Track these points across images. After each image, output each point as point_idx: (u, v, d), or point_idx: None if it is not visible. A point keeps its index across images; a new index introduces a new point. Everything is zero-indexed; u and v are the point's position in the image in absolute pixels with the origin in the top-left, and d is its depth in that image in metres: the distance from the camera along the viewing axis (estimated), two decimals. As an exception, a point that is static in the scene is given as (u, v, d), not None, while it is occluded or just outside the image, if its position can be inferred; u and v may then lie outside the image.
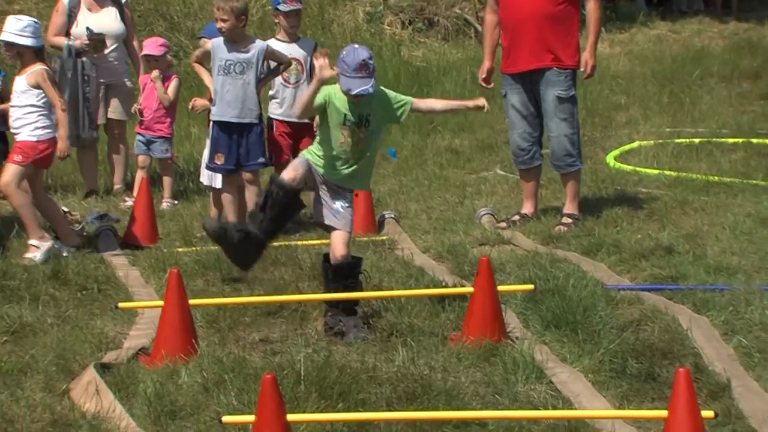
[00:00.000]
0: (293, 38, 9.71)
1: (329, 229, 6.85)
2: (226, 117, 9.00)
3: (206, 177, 9.51)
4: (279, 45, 9.50)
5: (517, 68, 9.18)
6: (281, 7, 9.62)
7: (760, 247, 8.19)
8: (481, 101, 7.05)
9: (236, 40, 8.97)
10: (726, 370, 5.90)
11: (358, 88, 6.51)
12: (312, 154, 6.85)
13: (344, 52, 6.62)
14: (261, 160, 9.12)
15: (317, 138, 6.94)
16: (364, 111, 6.69)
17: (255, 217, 6.75)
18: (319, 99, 6.65)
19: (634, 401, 5.68)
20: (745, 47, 16.73)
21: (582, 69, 9.15)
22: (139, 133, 10.77)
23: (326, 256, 6.82)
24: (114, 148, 11.34)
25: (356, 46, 6.75)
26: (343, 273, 6.68)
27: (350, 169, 6.78)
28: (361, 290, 6.85)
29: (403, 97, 6.98)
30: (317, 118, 9.16)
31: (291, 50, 9.53)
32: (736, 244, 8.29)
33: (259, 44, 9.09)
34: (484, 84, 9.55)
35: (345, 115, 6.66)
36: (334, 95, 6.69)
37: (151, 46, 10.78)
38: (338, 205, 6.77)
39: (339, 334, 6.57)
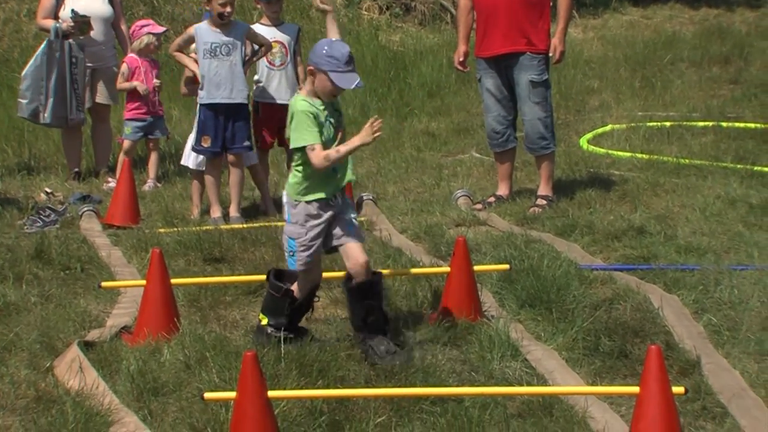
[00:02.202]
0: (276, 22, 9.72)
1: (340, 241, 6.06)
2: (216, 99, 9.04)
3: (192, 160, 9.51)
4: (263, 29, 9.53)
5: (490, 52, 9.18)
6: None
7: (729, 227, 8.22)
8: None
9: (220, 23, 9.01)
10: (696, 347, 5.93)
11: (354, 81, 5.87)
12: (304, 188, 5.96)
13: (326, 48, 5.88)
14: (246, 143, 9.17)
15: (298, 165, 5.97)
16: (337, 113, 6.05)
17: (276, 315, 6.12)
18: (314, 129, 5.85)
19: (606, 378, 5.70)
20: (715, 33, 16.75)
21: (551, 54, 9.16)
22: (138, 118, 10.63)
23: (348, 275, 6.05)
24: (99, 130, 11.32)
25: (333, 39, 6.09)
26: (363, 293, 5.96)
27: (344, 167, 6.06)
28: (385, 311, 6.13)
29: None
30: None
31: (275, 34, 9.56)
32: (706, 225, 8.31)
33: (240, 25, 9.19)
34: (459, 68, 9.56)
35: (330, 122, 5.97)
36: (313, 113, 5.89)
37: (154, 25, 10.85)
38: (349, 217, 6.05)
39: (371, 361, 5.85)
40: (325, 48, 5.89)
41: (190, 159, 9.53)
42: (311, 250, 5.95)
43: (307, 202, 5.93)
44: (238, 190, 9.33)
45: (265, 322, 6.11)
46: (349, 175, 6.09)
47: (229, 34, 9.08)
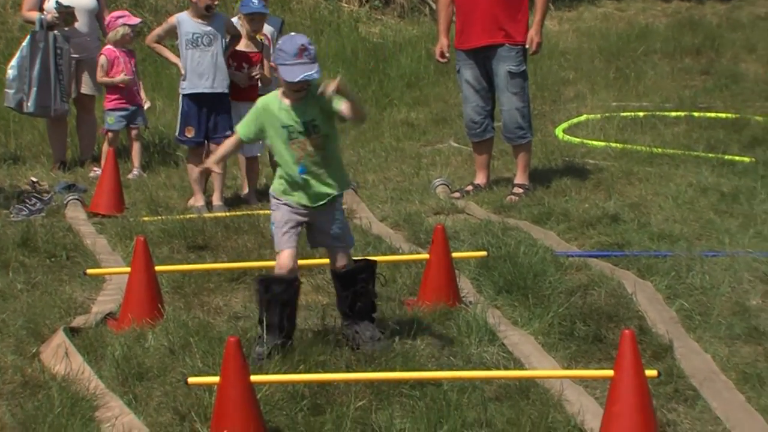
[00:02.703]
0: None
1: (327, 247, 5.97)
2: (199, 89, 9.04)
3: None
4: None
5: (470, 44, 9.18)
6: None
7: (700, 215, 8.24)
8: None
9: (202, 14, 8.99)
10: (668, 331, 5.96)
11: (301, 74, 5.48)
12: (280, 187, 5.77)
13: (280, 42, 5.65)
14: (228, 132, 9.13)
15: (278, 171, 5.81)
16: (307, 117, 5.62)
17: (270, 328, 5.68)
18: (245, 131, 5.75)
19: (581, 362, 5.72)
20: (687, 25, 16.78)
21: (528, 46, 9.17)
22: (120, 108, 10.56)
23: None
24: (84, 121, 11.29)
25: (293, 34, 5.73)
26: (349, 281, 5.84)
27: (321, 182, 5.71)
28: (374, 296, 5.99)
29: None
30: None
31: None
32: (678, 212, 8.34)
33: (220, 17, 9.21)
34: (440, 59, 9.55)
35: (288, 128, 5.62)
36: (268, 111, 5.68)
37: (129, 17, 10.81)
38: (333, 227, 5.79)
39: (355, 345, 5.79)
40: (279, 42, 5.67)
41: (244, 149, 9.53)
42: (283, 230, 5.73)
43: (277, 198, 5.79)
44: (221, 180, 9.31)
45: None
46: (329, 190, 5.72)
47: (210, 25, 9.07)
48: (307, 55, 5.51)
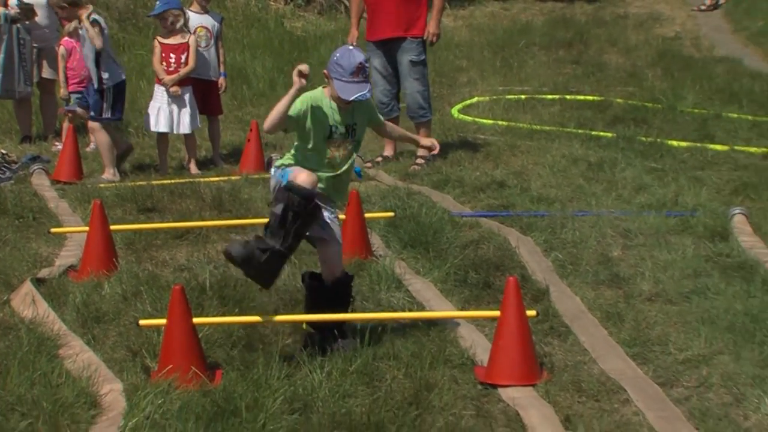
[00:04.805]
0: (205, 10, 9.74)
1: (316, 242, 5.21)
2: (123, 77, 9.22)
3: (152, 124, 9.41)
4: (193, 15, 9.53)
5: (377, 37, 9.17)
6: None
7: (572, 181, 8.32)
8: (429, 142, 5.59)
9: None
10: (545, 278, 6.01)
11: (355, 93, 4.90)
12: (291, 162, 5.08)
13: (338, 54, 4.98)
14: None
15: (293, 150, 5.10)
16: (350, 120, 5.05)
17: (275, 233, 4.84)
18: (295, 109, 4.92)
19: (473, 304, 5.76)
20: (560, 22, 16.87)
21: (427, 39, 9.16)
22: (80, 90, 10.11)
23: (312, 275, 5.24)
24: (46, 101, 11.14)
25: (350, 47, 5.07)
26: (343, 290, 5.21)
27: (335, 180, 5.09)
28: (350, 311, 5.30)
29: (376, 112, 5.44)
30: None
31: (203, 20, 9.66)
32: (554, 179, 8.40)
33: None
34: (352, 50, 9.52)
35: (332, 127, 5.00)
36: (318, 105, 5.00)
37: None
38: (325, 215, 5.07)
39: (321, 350, 5.01)
40: (337, 55, 4.99)
41: (150, 124, 9.44)
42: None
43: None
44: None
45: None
46: (338, 200, 5.19)
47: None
48: (363, 74, 4.93)
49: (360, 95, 4.91)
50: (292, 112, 4.91)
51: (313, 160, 5.01)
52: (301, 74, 4.91)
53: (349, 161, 5.12)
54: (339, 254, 5.20)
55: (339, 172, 5.06)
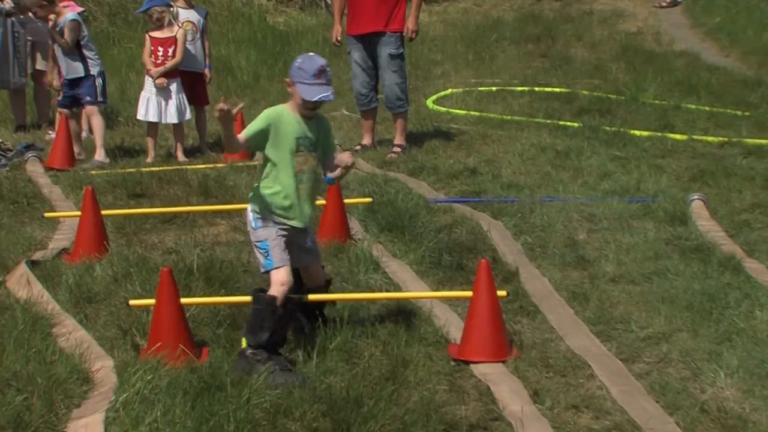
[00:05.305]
0: (190, 5, 9.71)
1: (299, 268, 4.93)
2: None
3: (142, 113, 9.36)
4: (180, 10, 9.50)
5: (358, 31, 9.13)
6: None
7: (540, 168, 8.33)
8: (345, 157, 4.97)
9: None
10: (515, 260, 6.03)
11: (319, 94, 4.67)
12: (260, 202, 4.74)
13: (299, 60, 4.76)
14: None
15: (263, 177, 4.77)
16: (313, 134, 4.79)
17: (256, 333, 4.63)
18: (255, 128, 4.68)
19: (447, 285, 5.75)
20: (530, 18, 16.87)
21: (406, 34, 9.14)
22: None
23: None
24: (39, 92, 11.06)
25: (310, 54, 4.83)
26: (289, 313, 4.75)
27: (306, 192, 4.77)
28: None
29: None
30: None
31: (189, 15, 9.62)
32: (523, 166, 8.42)
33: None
34: (335, 43, 9.53)
35: (298, 140, 4.72)
36: (281, 120, 4.73)
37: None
38: (307, 241, 4.91)
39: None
40: (299, 60, 4.77)
41: (140, 114, 9.40)
42: (284, 246, 4.71)
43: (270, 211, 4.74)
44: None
45: (244, 344, 4.68)
46: (311, 211, 4.85)
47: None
48: (325, 76, 4.71)
49: (324, 96, 4.68)
50: (251, 131, 4.68)
51: (283, 178, 4.71)
52: (223, 114, 4.53)
53: (317, 173, 4.85)
54: (321, 268, 5.07)
55: (308, 183, 4.78)
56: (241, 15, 16.51)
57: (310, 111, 4.77)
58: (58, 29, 9.15)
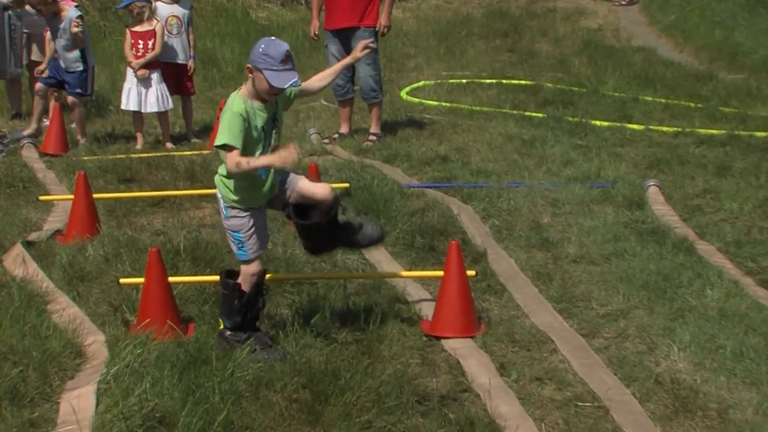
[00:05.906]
0: (174, 0, 9.54)
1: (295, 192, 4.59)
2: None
3: (124, 103, 9.31)
4: (163, 5, 9.38)
5: (335, 26, 9.09)
6: None
7: (507, 156, 8.35)
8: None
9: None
10: (483, 242, 6.05)
11: (289, 81, 4.28)
12: (228, 192, 4.44)
13: (262, 46, 4.32)
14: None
15: (236, 182, 4.42)
16: (273, 110, 4.45)
17: (230, 315, 4.55)
18: (238, 129, 4.27)
19: (420, 265, 5.76)
20: (497, 14, 16.85)
21: (379, 29, 9.11)
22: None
23: (295, 208, 4.56)
24: (35, 81, 10.93)
25: (272, 38, 4.40)
26: (334, 206, 4.62)
27: (276, 173, 4.51)
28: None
29: None
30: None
31: (173, 9, 9.44)
32: (491, 154, 8.43)
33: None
34: (313, 38, 9.49)
35: (263, 127, 4.38)
36: (249, 114, 4.33)
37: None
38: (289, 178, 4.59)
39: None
40: (262, 46, 4.32)
41: (123, 103, 9.35)
42: (258, 235, 4.49)
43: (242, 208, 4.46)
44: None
45: (222, 326, 4.60)
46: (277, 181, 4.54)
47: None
48: (291, 61, 4.31)
49: (293, 82, 4.29)
50: (240, 138, 4.26)
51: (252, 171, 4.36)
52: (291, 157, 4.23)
53: (280, 136, 4.56)
54: (309, 181, 4.62)
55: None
56: (225, 10, 16.40)
57: (273, 96, 4.38)
58: (62, 27, 9.04)
